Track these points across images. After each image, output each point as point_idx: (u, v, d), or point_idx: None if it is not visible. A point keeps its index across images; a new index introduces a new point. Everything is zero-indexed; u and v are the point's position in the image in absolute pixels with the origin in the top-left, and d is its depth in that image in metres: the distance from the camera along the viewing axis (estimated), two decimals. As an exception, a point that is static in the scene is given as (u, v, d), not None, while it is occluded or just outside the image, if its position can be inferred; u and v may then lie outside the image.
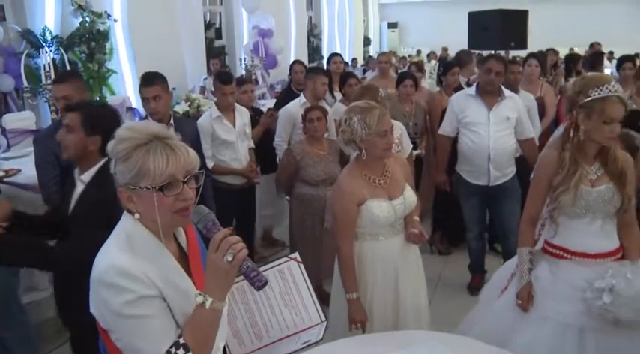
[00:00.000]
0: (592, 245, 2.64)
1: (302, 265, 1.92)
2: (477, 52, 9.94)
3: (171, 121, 3.82)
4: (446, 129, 4.56)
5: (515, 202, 4.33)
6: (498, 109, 4.23)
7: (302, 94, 5.03)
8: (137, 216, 1.62)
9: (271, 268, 1.91)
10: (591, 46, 10.60)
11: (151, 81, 3.66)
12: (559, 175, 2.62)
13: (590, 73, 3.01)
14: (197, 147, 3.92)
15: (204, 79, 8.98)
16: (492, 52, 8.46)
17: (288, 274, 1.72)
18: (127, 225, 1.64)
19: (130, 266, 1.54)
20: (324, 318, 1.91)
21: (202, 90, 8.82)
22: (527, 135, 4.34)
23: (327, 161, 4.20)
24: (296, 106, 4.86)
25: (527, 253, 2.81)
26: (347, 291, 2.83)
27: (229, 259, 1.52)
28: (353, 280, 2.84)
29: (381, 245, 2.89)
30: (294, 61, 6.96)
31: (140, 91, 3.78)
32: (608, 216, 2.62)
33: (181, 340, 1.57)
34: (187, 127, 4.01)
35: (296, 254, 1.91)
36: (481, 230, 4.70)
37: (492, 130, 4.22)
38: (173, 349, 1.56)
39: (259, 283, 1.56)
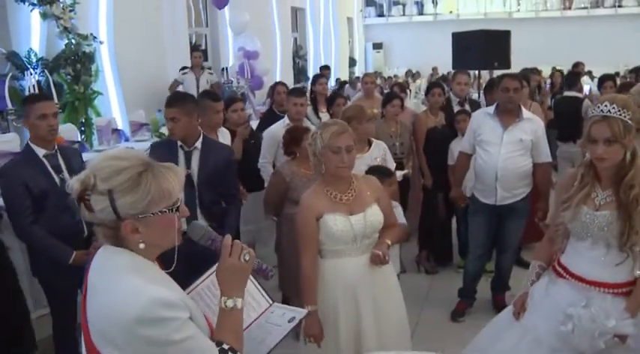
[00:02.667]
0: (590, 271, 2.57)
1: None
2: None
3: (197, 144, 3.69)
4: (465, 146, 4.56)
5: (520, 221, 4.36)
6: (514, 130, 4.21)
7: (286, 116, 5.05)
8: (142, 246, 1.55)
9: (202, 282, 1.95)
10: (575, 65, 10.73)
11: (170, 103, 3.65)
12: (569, 191, 2.61)
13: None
14: (226, 174, 3.77)
15: (184, 73, 8.68)
16: (476, 71, 8.59)
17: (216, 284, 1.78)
18: (123, 260, 1.55)
19: (168, 295, 1.51)
20: (271, 301, 2.01)
21: (175, 85, 8.43)
22: (543, 159, 4.30)
23: (314, 181, 4.20)
24: (280, 127, 4.86)
25: (537, 266, 2.84)
26: (304, 302, 2.82)
27: (247, 258, 1.70)
28: (311, 293, 2.84)
29: (341, 263, 2.88)
30: (277, 83, 6.97)
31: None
32: (611, 245, 2.51)
33: (225, 346, 1.62)
34: (219, 151, 3.85)
35: None
36: (483, 253, 4.64)
37: (503, 151, 4.20)
38: None
39: (272, 273, 1.83)
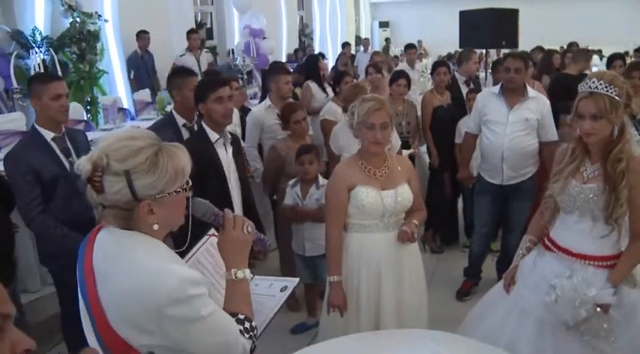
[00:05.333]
0: (576, 244, 2.62)
1: None
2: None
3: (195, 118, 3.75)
4: (471, 126, 4.56)
5: (527, 201, 4.34)
6: (519, 109, 4.19)
7: (267, 97, 4.88)
8: (156, 227, 1.54)
9: (198, 249, 1.94)
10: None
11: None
12: (560, 164, 2.64)
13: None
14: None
15: (181, 55, 8.59)
16: (483, 50, 8.51)
17: (213, 250, 1.81)
18: (137, 243, 1.54)
19: (192, 273, 1.52)
20: (251, 275, 1.99)
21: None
22: (549, 138, 4.26)
23: None
24: (261, 109, 4.78)
25: (528, 240, 2.87)
26: (329, 273, 2.88)
27: (250, 229, 1.74)
28: (336, 263, 2.88)
29: (367, 238, 2.90)
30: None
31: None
32: (597, 217, 2.55)
33: (240, 316, 1.65)
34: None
35: (212, 230, 1.92)
36: (488, 232, 4.66)
37: (509, 130, 4.19)
38: (241, 327, 1.63)
39: (269, 241, 1.86)
